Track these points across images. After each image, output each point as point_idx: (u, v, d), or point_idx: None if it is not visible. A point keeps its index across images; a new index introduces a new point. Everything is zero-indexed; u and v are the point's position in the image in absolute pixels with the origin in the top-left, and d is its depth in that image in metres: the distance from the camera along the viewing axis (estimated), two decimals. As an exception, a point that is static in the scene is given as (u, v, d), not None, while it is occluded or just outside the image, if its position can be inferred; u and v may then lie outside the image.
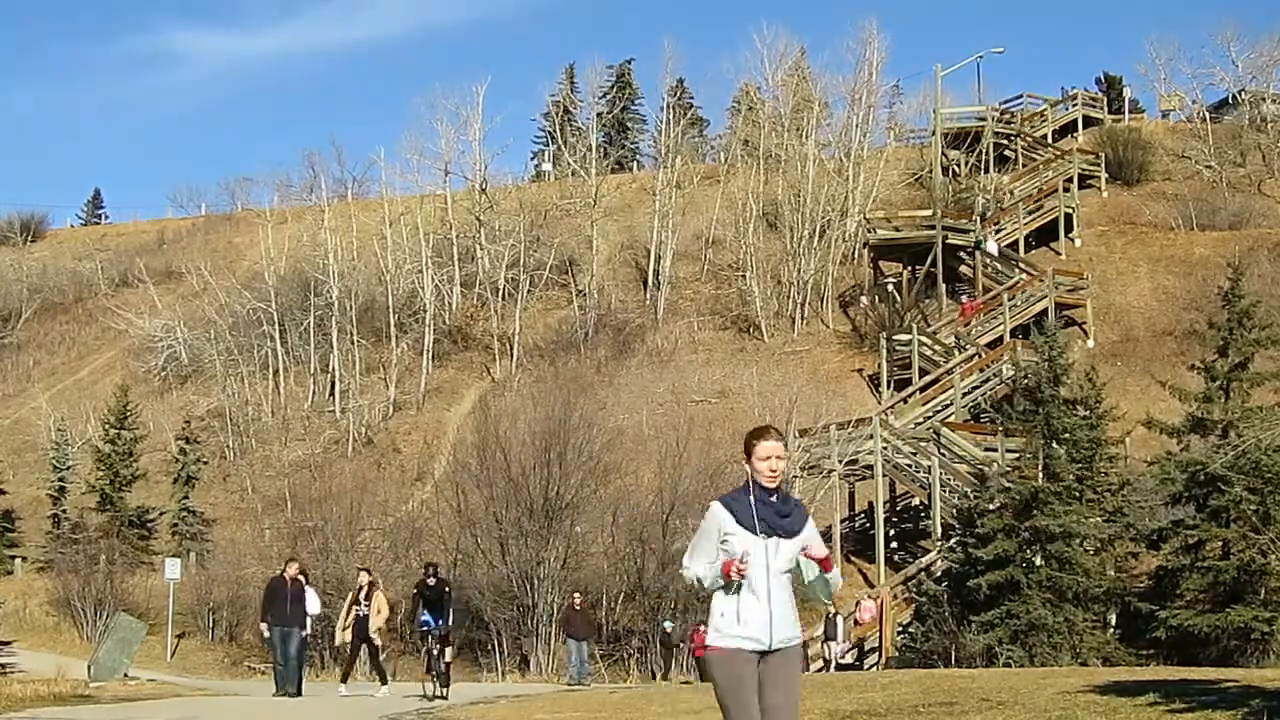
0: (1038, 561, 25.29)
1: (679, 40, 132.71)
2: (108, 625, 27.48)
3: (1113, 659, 24.20)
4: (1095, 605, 25.87)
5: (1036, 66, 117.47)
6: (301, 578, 20.43)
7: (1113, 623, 26.32)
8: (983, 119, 54.03)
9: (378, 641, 20.40)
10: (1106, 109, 57.31)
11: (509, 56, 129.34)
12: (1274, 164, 52.22)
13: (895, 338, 42.28)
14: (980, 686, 13.43)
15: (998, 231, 46.11)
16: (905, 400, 38.88)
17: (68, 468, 45.11)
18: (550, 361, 49.39)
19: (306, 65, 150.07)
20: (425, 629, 18.52)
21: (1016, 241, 46.31)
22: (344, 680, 20.55)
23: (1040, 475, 25.79)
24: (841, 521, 36.04)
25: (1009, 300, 41.64)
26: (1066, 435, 26.58)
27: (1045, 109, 55.84)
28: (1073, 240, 48.09)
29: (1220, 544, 24.56)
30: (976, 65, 53.69)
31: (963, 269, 46.68)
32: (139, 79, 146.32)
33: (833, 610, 28.38)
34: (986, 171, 51.93)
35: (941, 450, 33.55)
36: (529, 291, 53.53)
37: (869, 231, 48.08)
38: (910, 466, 34.21)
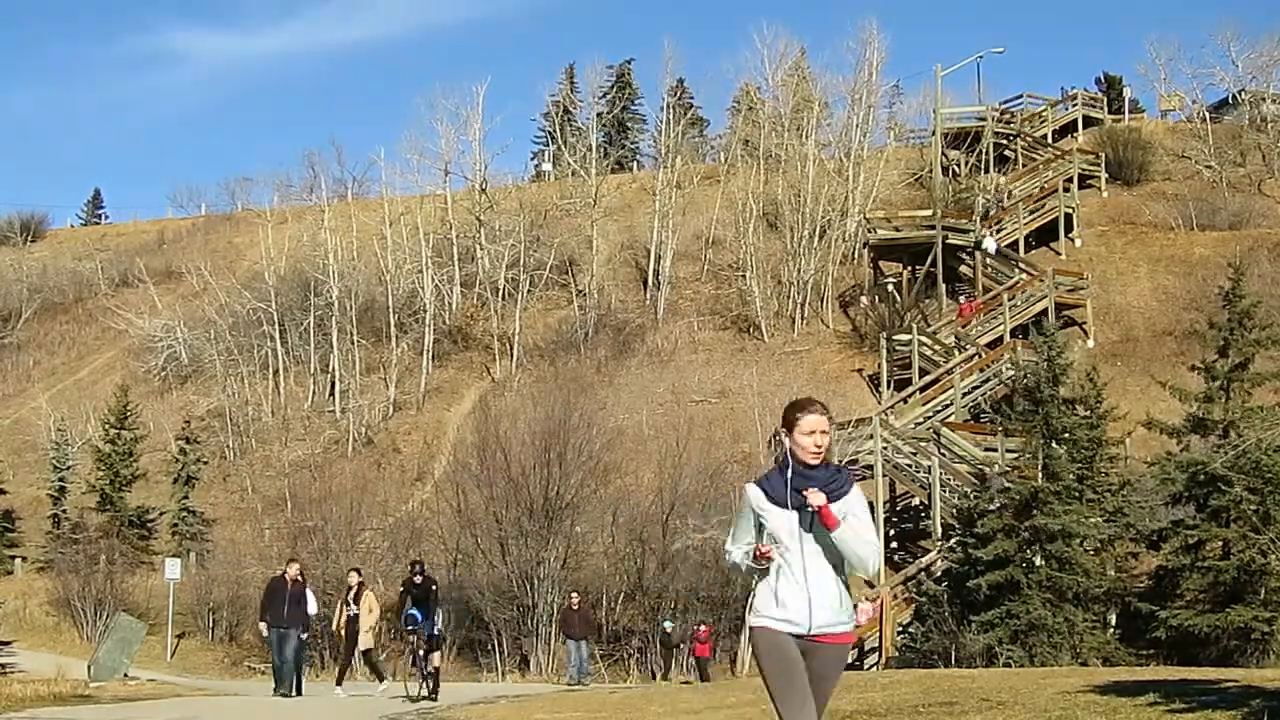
0: (1038, 561, 25.30)
1: (679, 40, 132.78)
2: (108, 625, 27.48)
3: (1113, 659, 24.20)
4: (1095, 605, 25.87)
5: (1036, 66, 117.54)
6: (301, 578, 20.44)
7: (1113, 623, 26.32)
8: (983, 119, 54.01)
9: (369, 643, 20.42)
10: (1106, 109, 57.28)
11: (509, 56, 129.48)
12: (1274, 164, 52.20)
13: (895, 338, 42.27)
14: (980, 686, 13.43)
15: (998, 231, 46.11)
16: (905, 400, 38.87)
17: (68, 468, 45.12)
18: (550, 361, 49.40)
19: (306, 65, 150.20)
20: (411, 628, 18.32)
21: (1016, 241, 46.29)
22: (339, 681, 20.55)
23: (1040, 475, 25.80)
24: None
25: (1009, 300, 41.63)
26: (1066, 435, 26.59)
27: (1045, 109, 55.82)
28: (1073, 240, 48.08)
29: (1220, 544, 24.56)
30: (976, 65, 53.73)
31: (963, 269, 46.67)
32: (139, 79, 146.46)
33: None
34: (986, 171, 51.92)
35: (941, 450, 33.55)
36: (529, 291, 53.53)
37: (869, 231, 48.07)
38: (910, 466, 34.21)
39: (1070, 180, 49.07)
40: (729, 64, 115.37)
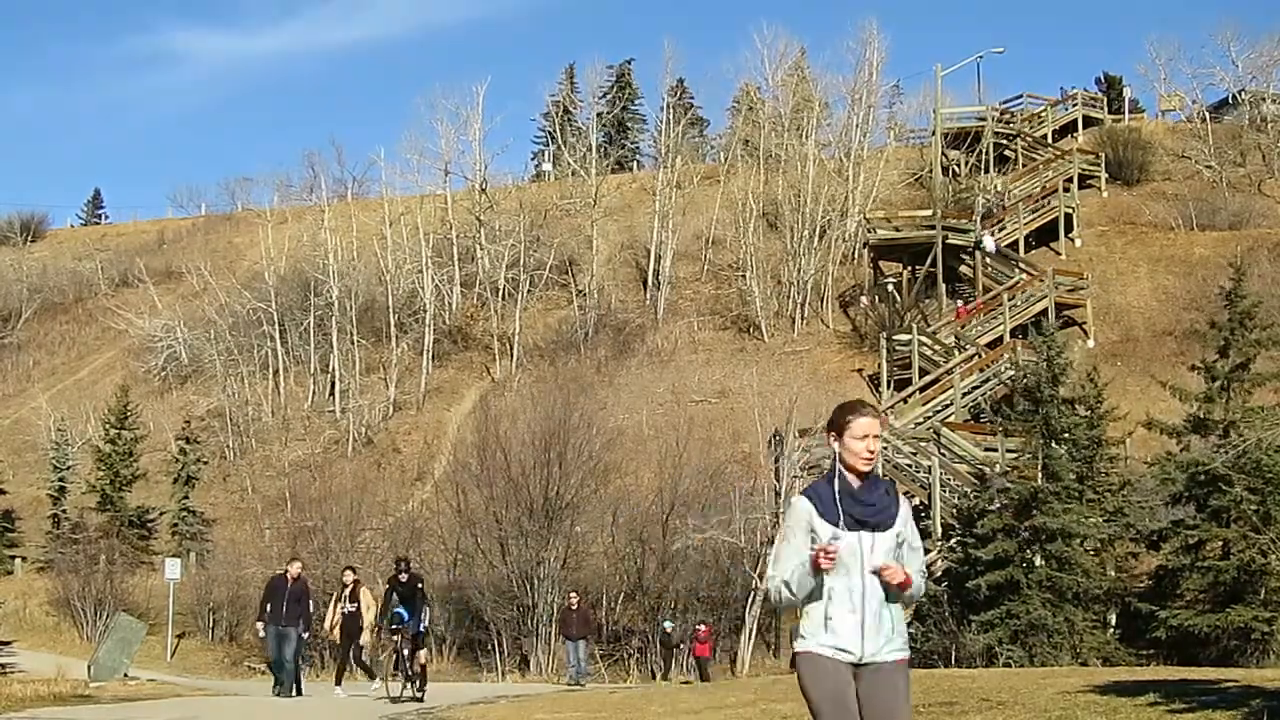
0: (1037, 561, 25.30)
1: (679, 40, 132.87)
2: (108, 625, 27.45)
3: (1113, 659, 24.21)
4: (1095, 605, 25.87)
5: (1036, 66, 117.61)
6: (302, 577, 20.39)
7: (1113, 623, 26.32)
8: (983, 119, 54.02)
9: (369, 639, 20.34)
10: (1106, 109, 57.30)
11: (509, 56, 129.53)
12: (1274, 164, 52.21)
13: (895, 338, 42.28)
14: (980, 686, 13.43)
15: (999, 230, 46.11)
16: (905, 400, 38.87)
17: (68, 468, 45.12)
18: (550, 361, 49.39)
19: (306, 65, 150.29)
20: (396, 626, 18.05)
21: (1016, 241, 46.30)
22: (338, 681, 20.50)
23: (1040, 475, 25.80)
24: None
25: (1009, 300, 41.65)
26: (1066, 435, 26.59)
27: (1045, 109, 55.84)
28: (1073, 240, 48.08)
29: (1220, 544, 24.56)
30: (976, 65, 53.74)
31: (963, 269, 46.67)
32: (139, 79, 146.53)
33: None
34: (986, 171, 51.93)
35: (941, 450, 33.55)
36: (529, 291, 53.53)
37: (869, 231, 48.07)
38: (910, 466, 34.20)
39: (1070, 180, 49.09)
40: (729, 64, 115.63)
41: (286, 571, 20.19)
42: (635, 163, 70.10)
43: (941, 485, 32.38)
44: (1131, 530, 26.57)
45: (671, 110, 59.08)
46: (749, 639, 30.79)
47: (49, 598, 37.41)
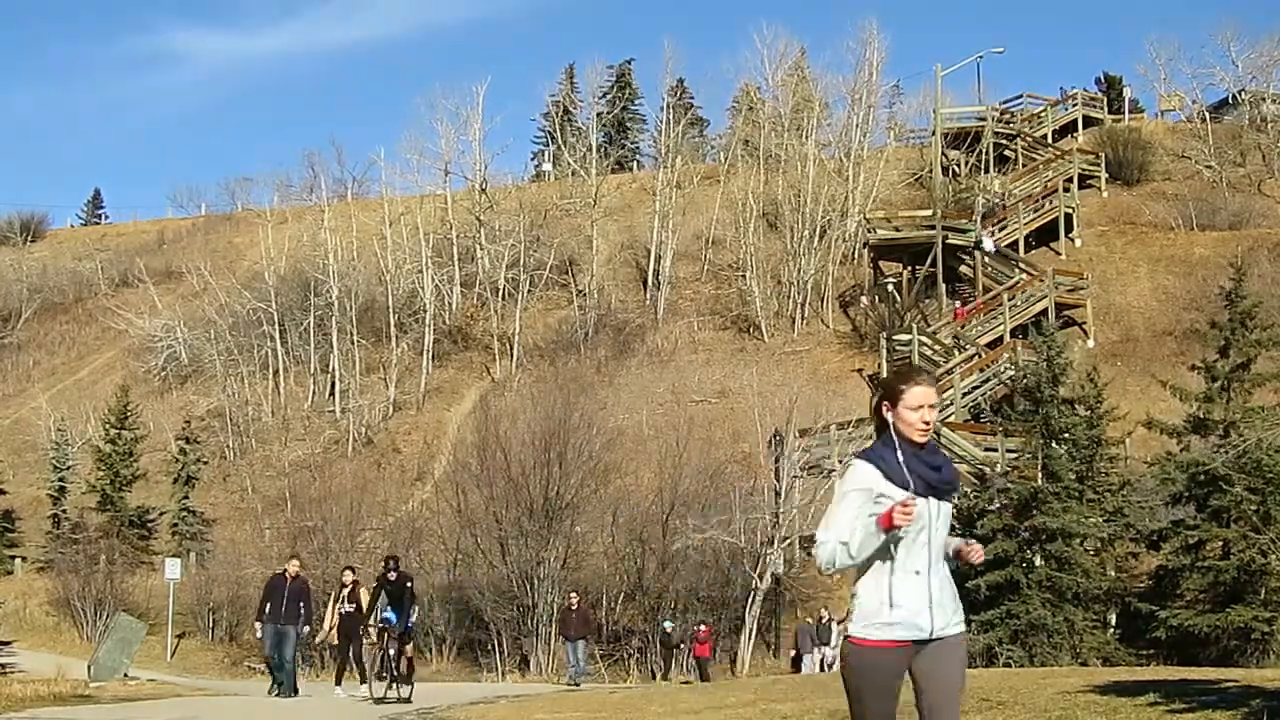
0: (1037, 561, 25.31)
1: (679, 40, 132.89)
2: (108, 625, 27.43)
3: (1113, 659, 24.21)
4: (1095, 605, 25.89)
5: (1036, 66, 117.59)
6: (301, 575, 20.36)
7: (1113, 623, 26.34)
8: (983, 119, 54.00)
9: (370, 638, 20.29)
10: (1106, 109, 57.30)
11: (509, 56, 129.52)
12: (1274, 164, 52.21)
13: (895, 338, 42.27)
14: (980, 686, 13.41)
15: (999, 230, 46.10)
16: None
17: (68, 468, 45.12)
18: (550, 361, 49.39)
19: (306, 65, 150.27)
20: (384, 626, 17.62)
21: (1016, 241, 46.30)
22: (338, 681, 20.47)
23: (1040, 475, 25.81)
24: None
25: (1009, 300, 41.65)
26: (1066, 435, 26.60)
27: (1045, 109, 55.84)
28: (1073, 240, 48.08)
29: (1220, 544, 24.58)
30: (976, 65, 53.69)
31: (963, 269, 46.67)
32: (139, 79, 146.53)
33: (826, 616, 28.37)
34: (986, 171, 51.92)
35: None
36: (529, 291, 53.54)
37: (869, 231, 48.06)
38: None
39: (1070, 180, 49.09)
40: (729, 64, 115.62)
41: (285, 570, 20.16)
42: (635, 163, 70.13)
43: (942, 485, 32.32)
44: (1131, 530, 26.59)
45: (671, 110, 59.09)
46: (749, 639, 30.78)
47: (49, 598, 37.41)
